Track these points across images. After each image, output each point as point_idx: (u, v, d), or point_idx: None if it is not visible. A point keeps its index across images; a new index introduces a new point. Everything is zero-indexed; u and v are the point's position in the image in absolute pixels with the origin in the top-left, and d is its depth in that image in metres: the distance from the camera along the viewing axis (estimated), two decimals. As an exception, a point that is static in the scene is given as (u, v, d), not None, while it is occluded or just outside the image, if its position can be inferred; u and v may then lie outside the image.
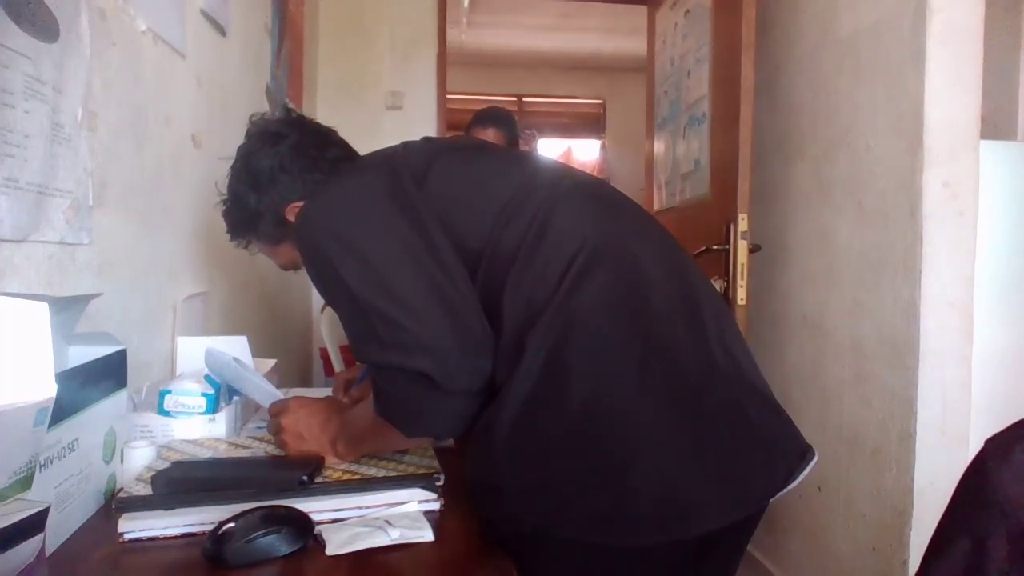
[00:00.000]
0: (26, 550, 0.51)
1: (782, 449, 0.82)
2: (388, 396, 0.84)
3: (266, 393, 1.09)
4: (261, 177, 1.01)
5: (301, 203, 0.96)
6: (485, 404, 0.81)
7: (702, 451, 0.76)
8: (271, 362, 1.36)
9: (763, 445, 0.80)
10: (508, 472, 0.77)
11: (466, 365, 0.78)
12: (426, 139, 1.00)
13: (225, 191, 1.06)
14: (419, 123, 3.22)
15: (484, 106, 2.65)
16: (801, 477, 0.81)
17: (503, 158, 1.01)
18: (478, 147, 1.04)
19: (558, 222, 0.84)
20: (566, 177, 0.93)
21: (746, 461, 0.78)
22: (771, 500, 0.80)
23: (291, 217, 0.98)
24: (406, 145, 0.96)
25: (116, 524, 0.75)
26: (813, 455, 0.83)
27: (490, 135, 2.40)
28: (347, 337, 0.87)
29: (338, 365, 1.96)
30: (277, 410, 0.99)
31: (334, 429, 0.95)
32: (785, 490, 0.80)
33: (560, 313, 0.77)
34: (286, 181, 1.00)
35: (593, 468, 0.74)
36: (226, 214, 1.07)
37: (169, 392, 1.05)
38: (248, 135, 1.06)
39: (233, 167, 1.05)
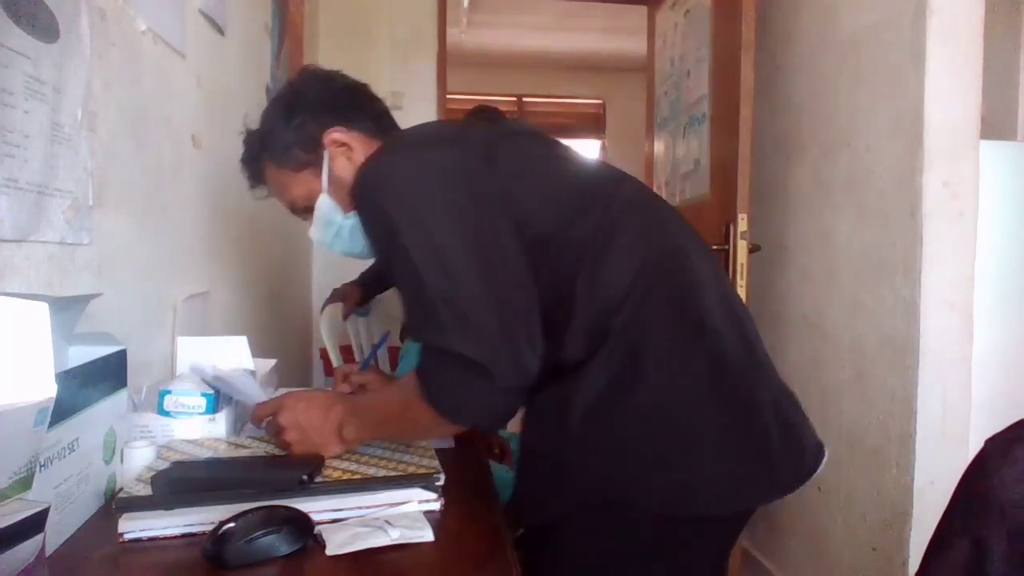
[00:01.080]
0: (26, 550, 0.51)
1: (807, 443, 0.92)
2: (439, 380, 0.85)
3: (249, 395, 1.07)
4: (306, 100, 1.03)
5: (342, 131, 1.00)
6: (556, 382, 0.86)
7: (752, 440, 0.86)
8: (271, 362, 1.36)
9: (794, 439, 0.90)
10: (586, 448, 0.85)
11: (517, 364, 0.82)
12: (490, 121, 1.02)
13: (252, 126, 1.08)
14: (419, 123, 3.22)
15: (474, 108, 2.64)
16: (820, 469, 0.91)
17: (568, 148, 1.03)
18: (542, 134, 1.06)
19: (632, 222, 0.90)
20: (626, 178, 0.99)
21: (782, 451, 0.88)
22: (798, 487, 0.91)
23: (328, 144, 1.01)
24: (471, 123, 0.98)
25: (116, 524, 0.75)
26: (825, 451, 0.94)
27: None
28: (404, 308, 0.89)
29: (338, 365, 1.96)
30: (271, 408, 0.97)
31: (337, 416, 0.94)
32: (811, 479, 0.91)
33: (643, 305, 0.85)
34: (331, 108, 1.02)
35: (666, 449, 0.84)
36: (248, 141, 1.08)
37: (169, 392, 1.05)
38: (299, 72, 1.11)
39: (275, 95, 1.09)
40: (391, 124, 1.09)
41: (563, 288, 0.86)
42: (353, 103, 1.05)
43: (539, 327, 0.84)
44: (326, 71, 1.08)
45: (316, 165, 1.02)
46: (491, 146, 0.92)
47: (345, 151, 1.02)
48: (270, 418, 0.97)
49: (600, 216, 0.89)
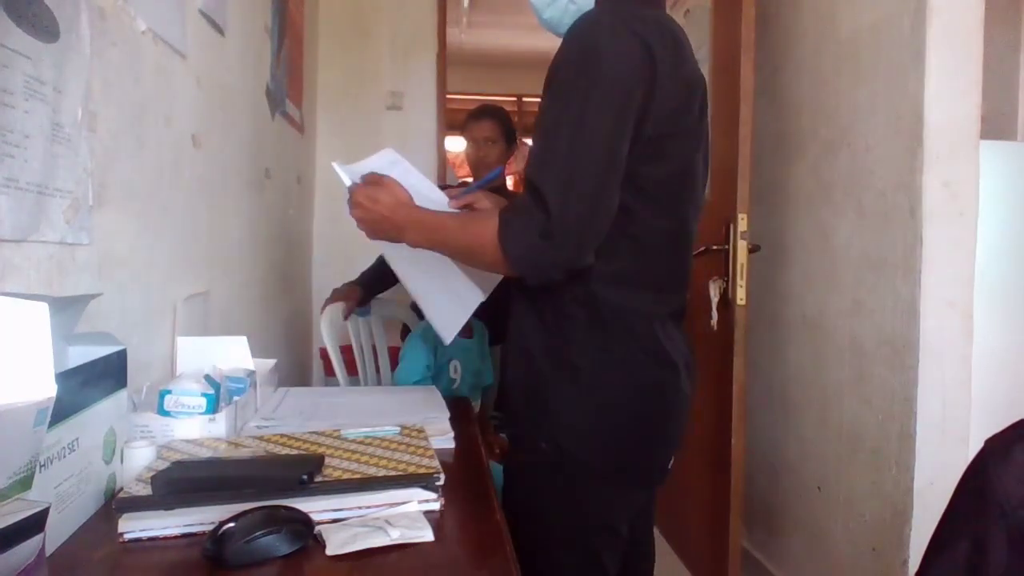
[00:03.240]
0: (26, 550, 0.51)
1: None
2: (518, 204, 0.97)
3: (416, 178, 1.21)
4: None
5: None
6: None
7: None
8: (271, 362, 1.36)
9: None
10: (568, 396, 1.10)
11: (582, 247, 0.96)
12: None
13: None
14: (419, 123, 3.23)
15: (478, 106, 2.64)
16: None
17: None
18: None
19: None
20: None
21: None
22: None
23: None
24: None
25: (116, 524, 0.75)
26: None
27: (486, 127, 2.38)
28: (534, 145, 1.00)
29: (338, 365, 1.96)
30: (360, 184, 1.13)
31: (402, 216, 1.09)
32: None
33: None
34: None
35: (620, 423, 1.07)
36: None
37: (169, 392, 1.05)
38: None
39: None
40: None
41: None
42: None
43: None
44: None
45: None
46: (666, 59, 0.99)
47: None
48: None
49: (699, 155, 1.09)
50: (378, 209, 1.09)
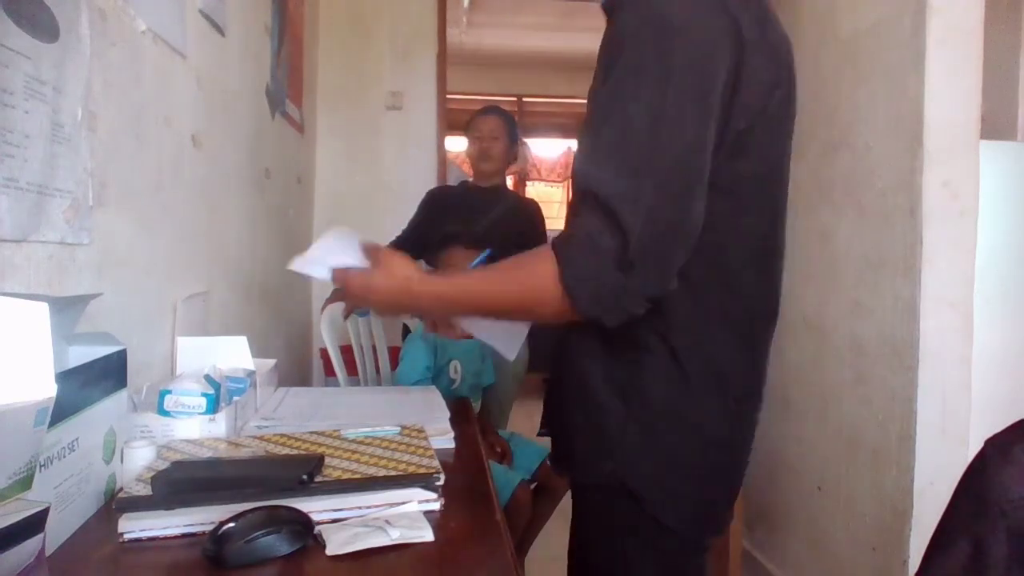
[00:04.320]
0: (26, 550, 0.51)
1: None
2: (578, 230, 0.76)
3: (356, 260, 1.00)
4: None
5: None
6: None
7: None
8: (271, 362, 1.36)
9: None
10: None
11: (664, 275, 0.77)
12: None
13: None
14: (419, 123, 3.23)
15: (484, 106, 2.69)
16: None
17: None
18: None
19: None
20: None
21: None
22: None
23: None
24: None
25: (116, 524, 0.75)
26: None
27: (491, 122, 2.46)
28: (585, 141, 0.80)
29: (338, 365, 1.96)
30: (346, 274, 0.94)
31: (404, 272, 0.91)
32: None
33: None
34: None
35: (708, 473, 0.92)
36: None
37: (169, 392, 1.05)
38: None
39: None
40: None
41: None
42: None
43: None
44: None
45: None
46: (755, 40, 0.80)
47: None
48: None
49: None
50: (377, 299, 0.92)
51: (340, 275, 0.94)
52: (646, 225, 0.73)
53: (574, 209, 0.80)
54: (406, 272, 0.91)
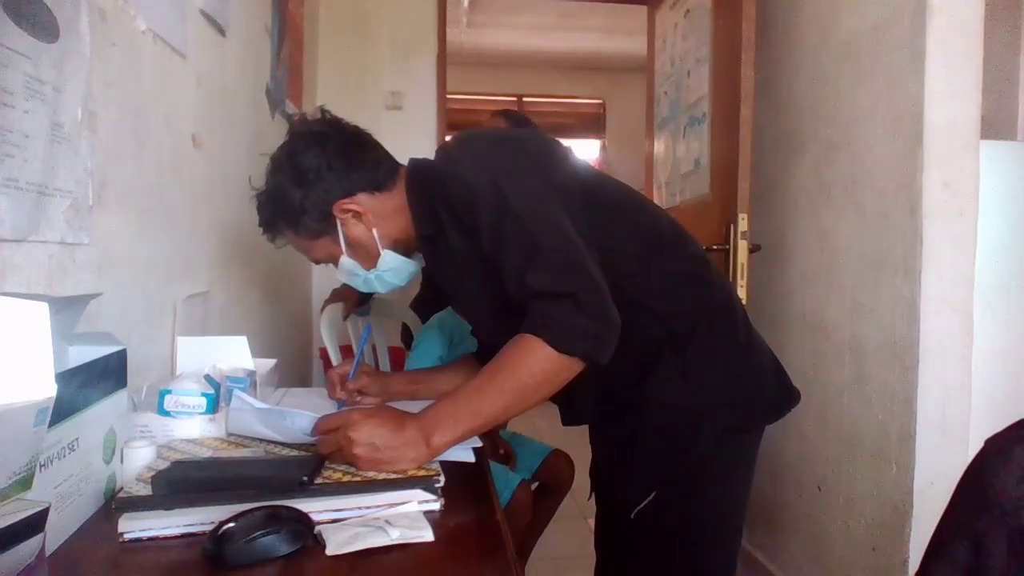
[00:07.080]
0: (26, 550, 0.52)
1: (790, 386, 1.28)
2: (557, 315, 0.91)
3: (307, 417, 0.96)
4: (308, 175, 1.06)
5: (348, 200, 1.07)
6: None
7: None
8: (271, 362, 1.36)
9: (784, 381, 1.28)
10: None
11: (606, 302, 0.93)
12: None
13: (257, 187, 1.12)
14: (419, 123, 3.23)
15: (485, 106, 2.68)
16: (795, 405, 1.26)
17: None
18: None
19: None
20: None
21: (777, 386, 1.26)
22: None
23: (338, 214, 1.08)
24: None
25: (116, 524, 0.75)
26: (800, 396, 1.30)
27: (500, 123, 2.45)
28: (511, 268, 0.96)
29: (337, 365, 1.96)
30: (337, 423, 0.90)
31: (414, 429, 0.89)
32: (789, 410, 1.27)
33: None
34: (332, 179, 1.06)
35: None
36: (261, 208, 1.12)
37: (169, 392, 1.05)
38: (291, 135, 1.12)
39: (274, 165, 1.10)
40: (392, 167, 1.13)
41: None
42: (352, 164, 1.08)
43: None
44: (319, 128, 1.10)
45: (331, 233, 1.10)
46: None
47: (355, 216, 1.08)
48: (333, 434, 0.89)
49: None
50: (387, 455, 0.87)
51: (327, 444, 0.90)
52: (568, 278, 0.92)
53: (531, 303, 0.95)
54: (399, 416, 0.92)
